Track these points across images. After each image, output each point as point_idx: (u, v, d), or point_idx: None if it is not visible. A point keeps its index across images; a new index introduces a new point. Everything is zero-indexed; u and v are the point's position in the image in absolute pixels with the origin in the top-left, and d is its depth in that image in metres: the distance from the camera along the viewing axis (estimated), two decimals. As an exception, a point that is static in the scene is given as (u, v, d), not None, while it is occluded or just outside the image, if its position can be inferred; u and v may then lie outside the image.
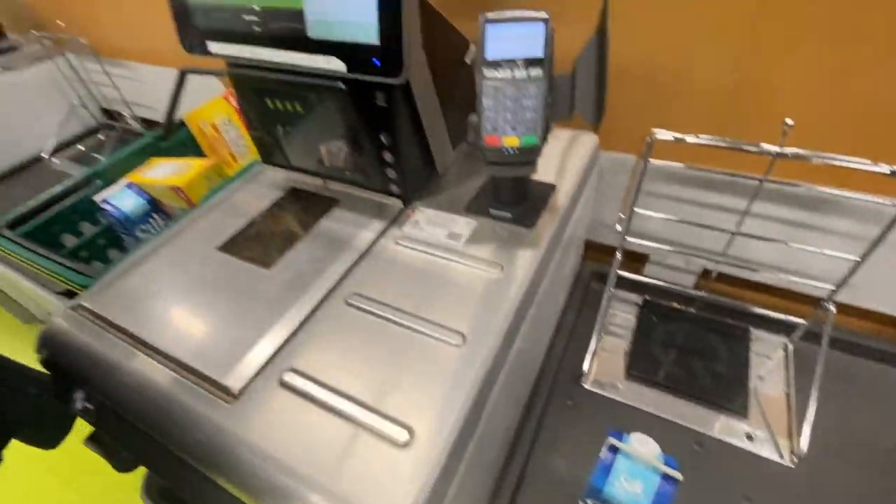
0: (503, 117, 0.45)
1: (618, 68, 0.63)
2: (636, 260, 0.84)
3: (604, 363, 0.72)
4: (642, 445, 0.43)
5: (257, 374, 0.42)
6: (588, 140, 0.67)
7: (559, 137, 0.68)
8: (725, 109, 0.63)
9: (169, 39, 0.54)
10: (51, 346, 0.50)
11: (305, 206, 0.62)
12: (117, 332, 0.48)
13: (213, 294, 0.51)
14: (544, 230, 0.53)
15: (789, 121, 0.51)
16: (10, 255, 0.70)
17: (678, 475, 0.40)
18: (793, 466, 0.58)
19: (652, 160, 0.64)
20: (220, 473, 0.39)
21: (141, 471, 0.62)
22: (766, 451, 0.60)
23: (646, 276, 0.80)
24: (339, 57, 0.47)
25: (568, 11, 0.56)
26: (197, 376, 0.43)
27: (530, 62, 0.43)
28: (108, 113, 1.47)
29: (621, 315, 0.79)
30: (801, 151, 0.51)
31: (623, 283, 0.81)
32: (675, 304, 0.79)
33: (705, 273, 0.78)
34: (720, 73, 0.60)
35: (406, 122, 0.53)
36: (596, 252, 0.86)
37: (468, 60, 0.55)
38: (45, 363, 0.51)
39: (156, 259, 0.56)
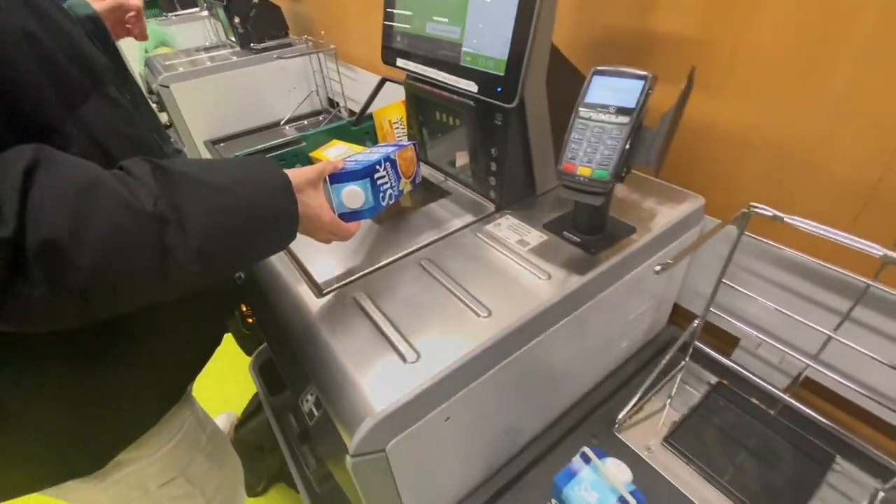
0: (583, 150, 0.52)
1: (747, 138, 0.65)
2: (727, 343, 0.79)
3: (647, 423, 0.71)
4: (616, 469, 0.45)
5: (340, 286, 0.58)
6: (693, 201, 0.69)
7: (665, 192, 0.71)
8: (857, 206, 0.58)
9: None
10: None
11: (426, 192, 0.77)
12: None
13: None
14: (604, 261, 0.58)
15: (910, 227, 0.47)
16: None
17: (631, 501, 0.42)
18: None
19: (756, 236, 0.63)
20: (297, 342, 0.55)
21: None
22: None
23: (733, 361, 0.75)
24: (475, 81, 0.61)
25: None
26: (304, 272, 0.60)
27: (621, 110, 0.51)
28: (331, 102, 1.91)
29: (688, 389, 0.76)
30: (916, 262, 0.47)
31: (704, 362, 0.78)
32: (753, 400, 0.72)
33: (805, 383, 0.70)
34: (863, 165, 0.56)
35: (515, 142, 0.64)
36: (687, 321, 0.83)
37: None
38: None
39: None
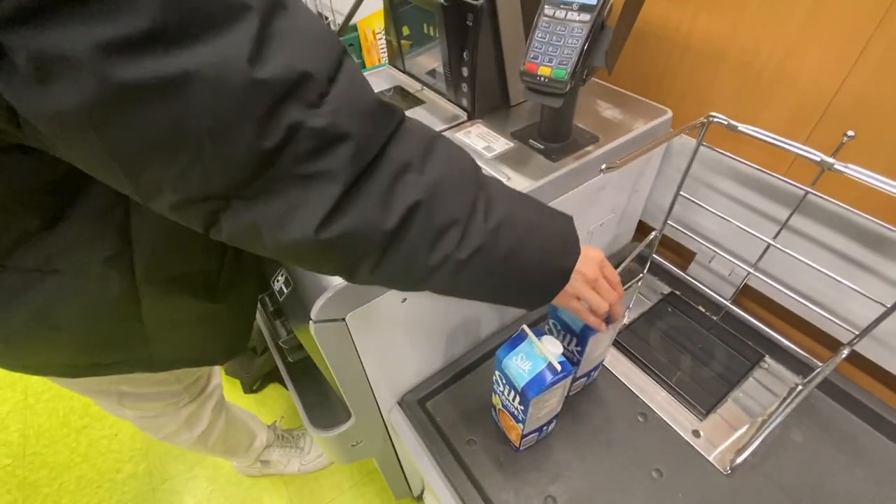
0: (545, 49, 0.53)
1: (721, 50, 0.64)
2: (685, 258, 0.84)
3: (599, 326, 0.77)
4: (550, 344, 0.51)
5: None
6: (660, 114, 0.69)
7: (635, 105, 0.71)
8: (813, 121, 0.60)
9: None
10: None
11: (401, 101, 0.78)
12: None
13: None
14: (562, 167, 0.61)
15: (850, 132, 0.49)
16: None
17: (557, 367, 0.48)
18: (722, 471, 0.59)
19: (717, 149, 0.65)
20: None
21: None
22: (701, 449, 0.61)
23: (688, 274, 0.80)
24: (446, -24, 0.59)
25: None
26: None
27: (584, 7, 0.51)
28: (319, 14, 1.83)
29: (641, 297, 0.82)
30: (850, 166, 0.49)
31: (661, 275, 0.83)
32: (700, 308, 0.78)
33: (746, 291, 0.75)
34: (823, 78, 0.57)
35: (486, 45, 0.64)
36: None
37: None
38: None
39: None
